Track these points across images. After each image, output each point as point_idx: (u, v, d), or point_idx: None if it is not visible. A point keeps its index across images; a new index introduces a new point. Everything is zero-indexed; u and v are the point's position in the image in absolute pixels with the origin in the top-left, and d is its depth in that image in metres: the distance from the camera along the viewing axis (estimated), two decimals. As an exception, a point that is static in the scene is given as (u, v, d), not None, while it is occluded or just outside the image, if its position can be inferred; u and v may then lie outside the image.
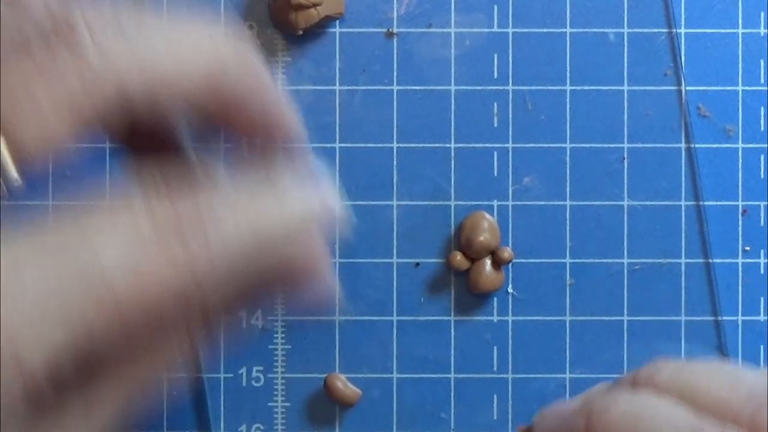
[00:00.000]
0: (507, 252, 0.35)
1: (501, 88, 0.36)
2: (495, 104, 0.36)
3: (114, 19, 0.23)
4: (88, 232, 0.21)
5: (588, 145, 0.36)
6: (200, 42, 0.25)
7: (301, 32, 0.35)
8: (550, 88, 0.36)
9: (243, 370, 0.36)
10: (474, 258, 0.36)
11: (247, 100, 0.25)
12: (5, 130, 0.21)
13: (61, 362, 0.20)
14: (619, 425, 0.25)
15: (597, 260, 0.36)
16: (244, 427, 0.36)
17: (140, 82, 0.23)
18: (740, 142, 0.36)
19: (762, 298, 0.36)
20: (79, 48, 0.22)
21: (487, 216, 0.36)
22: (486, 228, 0.36)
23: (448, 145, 0.36)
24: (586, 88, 0.36)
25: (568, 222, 0.36)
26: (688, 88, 0.36)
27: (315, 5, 0.35)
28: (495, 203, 0.36)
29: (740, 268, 0.36)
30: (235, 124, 0.26)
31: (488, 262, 0.36)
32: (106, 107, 0.22)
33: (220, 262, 0.22)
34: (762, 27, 0.36)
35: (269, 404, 0.36)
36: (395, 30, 0.36)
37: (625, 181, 0.36)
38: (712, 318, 0.36)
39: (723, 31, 0.36)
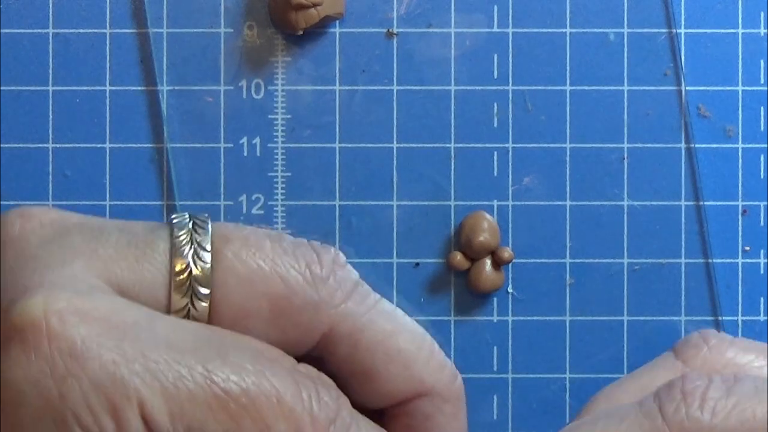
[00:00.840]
0: (507, 252, 0.35)
1: (501, 88, 0.36)
2: (495, 104, 0.36)
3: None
4: None
5: (588, 145, 0.36)
6: (420, 356, 0.28)
7: (301, 32, 0.35)
8: (550, 88, 0.36)
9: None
10: (474, 258, 0.36)
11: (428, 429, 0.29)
12: None
13: None
14: None
15: (597, 260, 0.36)
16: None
17: (343, 346, 0.27)
18: (740, 142, 0.36)
19: (762, 298, 0.36)
20: None
21: (487, 216, 0.36)
22: (486, 228, 0.36)
23: (448, 145, 0.36)
24: (586, 88, 0.36)
25: (568, 222, 0.36)
26: (688, 88, 0.36)
27: (315, 5, 0.35)
28: (495, 203, 0.36)
29: (740, 268, 0.36)
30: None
31: (488, 262, 0.36)
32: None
33: None
34: (762, 27, 0.36)
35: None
36: (395, 30, 0.36)
37: (625, 181, 0.36)
38: (712, 318, 0.36)
39: (723, 31, 0.36)
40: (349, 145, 0.36)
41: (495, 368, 0.36)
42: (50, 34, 0.36)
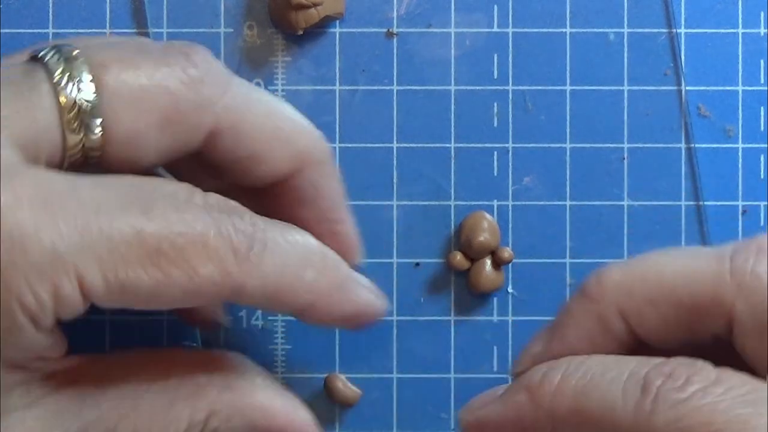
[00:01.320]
0: (507, 252, 0.35)
1: (501, 88, 0.36)
2: (495, 104, 0.36)
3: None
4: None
5: (588, 145, 0.36)
6: (296, 128, 0.30)
7: (301, 32, 0.35)
8: (550, 88, 0.36)
9: (243, 370, 0.36)
10: (474, 258, 0.36)
11: (317, 195, 0.31)
12: None
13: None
14: (566, 385, 0.25)
15: (597, 260, 0.36)
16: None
17: (230, 143, 0.28)
18: (740, 142, 0.36)
19: (762, 298, 0.36)
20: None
21: (487, 216, 0.36)
22: (486, 228, 0.36)
23: (448, 145, 0.36)
24: (586, 88, 0.36)
25: (568, 222, 0.36)
26: (688, 88, 0.36)
27: (315, 5, 0.35)
28: (495, 203, 0.36)
29: (740, 268, 0.36)
30: (301, 211, 0.31)
31: (488, 262, 0.36)
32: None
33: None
34: (762, 27, 0.36)
35: (269, 404, 0.36)
36: (395, 30, 0.36)
37: (625, 181, 0.36)
38: (712, 318, 0.36)
39: (723, 31, 0.36)
40: (349, 145, 0.36)
41: (495, 368, 0.36)
42: (50, 34, 0.36)
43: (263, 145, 0.29)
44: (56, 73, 0.26)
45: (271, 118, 0.29)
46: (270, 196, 0.30)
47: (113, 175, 0.26)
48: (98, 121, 0.26)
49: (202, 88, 0.27)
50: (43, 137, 0.25)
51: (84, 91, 0.26)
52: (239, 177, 0.30)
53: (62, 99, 0.26)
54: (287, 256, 0.27)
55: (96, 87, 0.26)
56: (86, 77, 0.26)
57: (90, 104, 0.26)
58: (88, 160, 0.27)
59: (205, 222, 0.26)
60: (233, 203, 0.27)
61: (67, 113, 0.26)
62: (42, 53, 0.27)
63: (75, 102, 0.26)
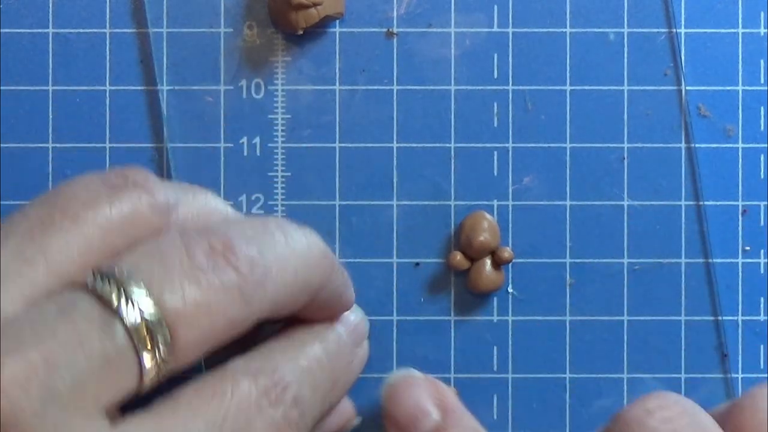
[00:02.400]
0: (507, 252, 0.35)
1: (501, 88, 0.36)
2: (495, 104, 0.36)
3: (258, 250, 0.28)
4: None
5: (588, 145, 0.36)
6: (312, 269, 0.30)
7: (301, 32, 0.35)
8: (550, 88, 0.36)
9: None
10: (474, 258, 0.36)
11: (326, 304, 0.32)
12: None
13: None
14: None
15: (597, 260, 0.36)
16: (244, 427, 0.36)
17: (268, 311, 0.28)
18: (740, 142, 0.36)
19: (762, 298, 0.36)
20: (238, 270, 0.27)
21: (487, 216, 0.36)
22: (486, 228, 0.36)
23: (448, 145, 0.36)
24: (586, 88, 0.36)
25: (568, 222, 0.36)
26: (688, 88, 0.36)
27: (315, 5, 0.35)
28: (495, 203, 0.36)
29: (740, 268, 0.36)
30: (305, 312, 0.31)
31: (488, 262, 0.36)
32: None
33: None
34: (762, 27, 0.36)
35: (269, 404, 0.36)
36: (395, 30, 0.36)
37: (625, 181, 0.36)
38: (712, 318, 0.36)
39: (723, 31, 0.36)
40: (349, 145, 0.36)
41: (495, 368, 0.36)
42: (50, 34, 0.36)
43: (291, 303, 0.29)
44: (113, 299, 0.25)
45: (296, 277, 0.29)
46: None
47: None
48: (166, 332, 0.26)
49: (252, 294, 0.27)
50: (125, 384, 0.25)
51: (145, 307, 0.25)
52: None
53: (129, 323, 0.25)
54: None
55: (160, 310, 0.26)
56: (142, 295, 0.26)
57: (155, 318, 0.25)
58: (161, 375, 0.26)
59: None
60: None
61: (136, 336, 0.25)
62: (92, 283, 0.26)
63: (140, 321, 0.25)
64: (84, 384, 0.24)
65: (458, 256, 0.36)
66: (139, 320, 0.25)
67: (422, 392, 0.32)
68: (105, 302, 0.25)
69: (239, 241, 0.27)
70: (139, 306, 0.25)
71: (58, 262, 0.26)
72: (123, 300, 0.25)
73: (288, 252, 0.29)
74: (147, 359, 0.25)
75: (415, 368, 0.36)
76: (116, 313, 0.25)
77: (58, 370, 0.23)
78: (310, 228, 0.30)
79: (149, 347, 0.25)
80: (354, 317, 0.33)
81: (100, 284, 0.26)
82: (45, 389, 0.23)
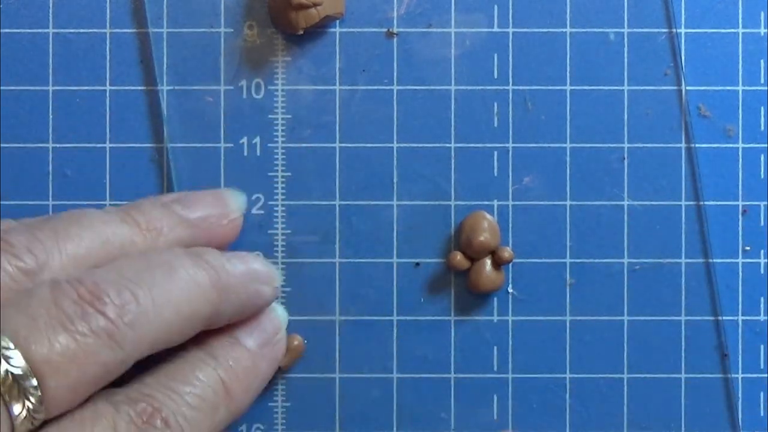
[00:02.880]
0: (507, 252, 0.35)
1: (501, 88, 0.36)
2: (495, 104, 0.36)
3: (131, 293, 0.28)
4: None
5: (588, 145, 0.36)
6: (199, 302, 0.30)
7: (301, 32, 0.35)
8: (550, 88, 0.36)
9: (243, 370, 0.36)
10: (474, 258, 0.36)
11: (230, 320, 0.32)
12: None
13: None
14: None
15: (597, 260, 0.36)
16: (244, 427, 0.36)
17: (145, 351, 0.29)
18: (740, 142, 0.36)
19: (762, 298, 0.36)
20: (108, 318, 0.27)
21: (487, 216, 0.36)
22: (486, 228, 0.36)
23: (448, 145, 0.36)
24: (586, 88, 0.36)
25: (568, 222, 0.36)
26: (688, 88, 0.36)
27: (315, 5, 0.35)
28: (495, 203, 0.36)
29: (740, 268, 0.36)
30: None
31: (488, 262, 0.36)
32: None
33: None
34: (762, 27, 0.36)
35: (269, 404, 0.36)
36: (395, 30, 0.36)
37: (625, 181, 0.36)
38: (712, 318, 0.36)
39: (723, 31, 0.36)
40: (349, 145, 0.36)
41: (495, 368, 0.36)
42: (50, 34, 0.36)
43: (176, 337, 0.30)
44: None
45: (178, 313, 0.29)
46: None
47: None
48: (34, 382, 0.26)
49: (124, 337, 0.28)
50: None
51: (12, 359, 0.26)
52: None
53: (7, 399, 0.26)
54: None
55: (29, 363, 0.26)
56: (9, 348, 0.26)
57: (22, 370, 0.26)
58: (35, 423, 0.27)
59: None
60: None
61: (3, 387, 0.26)
62: None
63: (7, 373, 0.26)
64: None
65: (458, 256, 0.36)
66: (6, 372, 0.25)
67: None
68: None
69: (108, 286, 0.28)
70: (6, 359, 0.26)
71: None
72: None
73: (168, 289, 0.29)
74: (16, 410, 0.26)
75: (415, 368, 0.36)
76: None
77: None
78: (211, 255, 0.31)
79: (18, 398, 0.26)
80: (265, 317, 0.33)
81: None
82: None
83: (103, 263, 0.30)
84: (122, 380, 0.29)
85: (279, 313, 0.34)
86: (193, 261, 0.30)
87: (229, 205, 0.34)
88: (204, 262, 0.30)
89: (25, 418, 0.26)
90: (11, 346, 0.26)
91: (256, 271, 0.32)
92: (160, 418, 0.28)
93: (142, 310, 0.28)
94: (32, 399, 0.26)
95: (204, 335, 0.32)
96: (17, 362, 0.26)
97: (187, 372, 0.30)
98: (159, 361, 0.31)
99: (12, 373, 0.26)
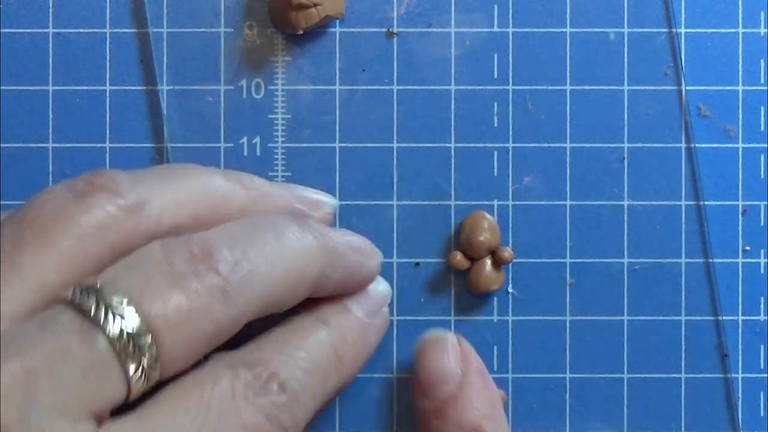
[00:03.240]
0: (507, 252, 0.35)
1: (501, 88, 0.36)
2: (495, 104, 0.36)
3: (241, 251, 0.28)
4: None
5: (588, 145, 0.36)
6: (307, 264, 0.30)
7: (301, 32, 0.35)
8: (550, 88, 0.36)
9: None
10: (474, 258, 0.36)
11: (335, 290, 0.32)
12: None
13: None
14: None
15: (597, 260, 0.36)
16: (244, 427, 0.36)
17: (260, 312, 0.29)
18: (740, 142, 0.36)
19: (762, 298, 0.36)
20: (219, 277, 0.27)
21: (487, 216, 0.36)
22: (486, 228, 0.35)
23: (448, 145, 0.36)
24: (586, 88, 0.36)
25: (568, 222, 0.36)
26: (688, 88, 0.36)
27: (315, 5, 0.35)
28: (495, 203, 0.36)
29: (740, 268, 0.36)
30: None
31: (488, 261, 0.36)
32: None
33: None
34: (762, 27, 0.36)
35: (269, 404, 0.36)
36: (395, 30, 0.36)
37: (625, 181, 0.36)
38: (712, 318, 0.36)
39: (723, 31, 0.36)
40: (349, 145, 0.36)
41: (495, 368, 0.36)
42: (50, 34, 0.36)
43: (285, 299, 0.30)
44: (94, 310, 0.26)
45: (287, 273, 0.29)
46: None
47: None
48: (149, 340, 0.26)
49: (237, 295, 0.28)
50: (111, 392, 0.26)
51: (127, 317, 0.26)
52: None
53: (111, 334, 0.26)
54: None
55: (143, 320, 0.26)
56: (123, 306, 0.26)
57: (137, 328, 0.26)
58: (150, 383, 0.27)
59: None
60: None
61: (119, 345, 0.26)
62: (72, 297, 0.26)
63: (122, 332, 0.26)
64: (67, 393, 0.24)
65: (458, 256, 0.36)
66: (121, 331, 0.25)
67: (449, 356, 0.33)
68: (86, 314, 0.26)
69: (220, 245, 0.28)
70: (120, 317, 0.26)
71: (34, 279, 0.26)
72: (103, 311, 0.26)
73: (277, 249, 0.29)
74: (132, 368, 0.26)
75: (414, 367, 0.36)
76: (97, 324, 0.25)
77: (39, 381, 0.24)
78: (314, 222, 0.31)
79: (133, 357, 0.26)
80: (372, 288, 0.34)
81: (81, 297, 0.26)
82: (28, 398, 0.24)
83: (204, 212, 0.30)
84: (236, 344, 0.29)
85: (384, 287, 0.35)
86: (300, 225, 0.30)
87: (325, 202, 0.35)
88: (311, 227, 0.31)
89: (140, 376, 0.26)
90: (125, 303, 0.26)
91: (359, 244, 0.33)
92: (277, 383, 0.28)
93: (253, 268, 0.28)
94: (147, 357, 0.26)
95: (315, 302, 0.32)
96: (132, 320, 0.26)
97: (300, 337, 0.30)
98: (272, 327, 0.31)
99: (127, 331, 0.25)
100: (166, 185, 0.30)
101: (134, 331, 0.26)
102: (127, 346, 0.25)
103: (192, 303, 0.27)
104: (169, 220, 0.29)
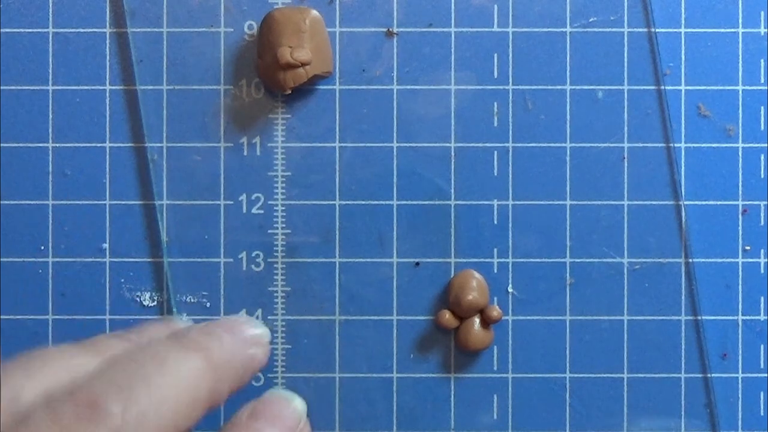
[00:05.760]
0: (496, 311, 0.35)
1: (501, 88, 0.36)
2: (495, 104, 0.36)
3: (127, 396, 0.27)
4: None
5: (588, 145, 0.36)
6: (193, 393, 0.29)
7: (289, 91, 0.35)
8: (550, 88, 0.36)
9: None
10: (463, 317, 0.36)
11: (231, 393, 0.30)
12: None
13: None
14: None
15: (597, 260, 0.36)
16: (244, 427, 0.36)
17: None
18: (740, 141, 0.36)
19: (762, 298, 0.36)
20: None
21: (476, 275, 0.36)
22: (474, 287, 0.35)
23: (448, 145, 0.36)
24: (586, 88, 0.36)
25: (568, 222, 0.36)
26: (688, 88, 0.36)
27: (303, 65, 0.35)
28: (495, 203, 0.36)
29: (740, 268, 0.36)
30: None
31: (477, 320, 0.36)
32: None
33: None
34: (762, 27, 0.36)
35: (269, 404, 0.36)
36: (395, 30, 0.36)
37: (625, 181, 0.36)
38: (712, 318, 0.36)
39: (723, 30, 0.36)
40: (349, 145, 0.36)
41: (495, 368, 0.36)
42: (50, 34, 0.36)
43: (181, 429, 0.29)
44: None
45: (178, 408, 0.29)
46: None
47: None
48: None
49: None
50: None
51: None
52: None
53: None
54: None
55: None
56: None
57: None
58: None
59: None
60: None
61: None
62: None
63: None
64: None
65: (447, 315, 0.36)
66: None
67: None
68: None
69: (106, 394, 0.27)
70: None
71: None
72: None
73: (162, 385, 0.28)
74: None
75: (415, 368, 0.36)
76: None
77: None
78: (196, 334, 0.30)
79: None
80: (285, 410, 0.33)
81: None
82: None
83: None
84: None
85: (297, 403, 0.34)
86: (180, 346, 0.29)
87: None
88: (192, 343, 0.30)
89: None
90: None
91: (244, 338, 0.31)
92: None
93: (143, 410, 0.27)
94: None
95: None
96: None
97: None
98: None
99: None
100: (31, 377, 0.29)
101: None
102: None
103: None
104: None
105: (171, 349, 0.29)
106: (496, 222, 0.36)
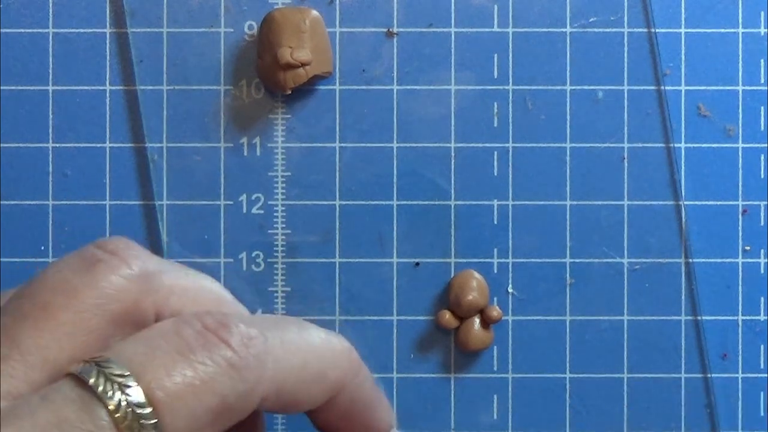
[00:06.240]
0: (496, 311, 0.35)
1: (501, 88, 0.36)
2: (495, 104, 0.36)
3: (259, 330, 0.27)
4: None
5: (588, 145, 0.36)
6: (328, 363, 0.28)
7: (289, 92, 0.35)
8: (550, 88, 0.36)
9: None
10: (462, 317, 0.36)
11: (356, 414, 0.30)
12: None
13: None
14: None
15: (597, 260, 0.36)
16: (244, 427, 0.36)
17: (273, 398, 0.27)
18: (740, 142, 0.36)
19: (762, 298, 0.36)
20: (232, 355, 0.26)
21: (476, 275, 0.36)
22: (474, 287, 0.35)
23: (448, 145, 0.36)
24: (586, 88, 0.36)
25: (568, 222, 0.36)
26: (688, 88, 0.36)
27: (303, 65, 0.35)
28: (495, 203, 0.36)
29: (740, 268, 0.36)
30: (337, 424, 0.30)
31: (477, 321, 0.36)
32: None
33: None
34: (762, 27, 0.36)
35: (269, 404, 0.36)
36: (395, 30, 0.36)
37: (625, 181, 0.36)
38: (712, 318, 0.36)
39: (723, 31, 0.36)
40: (349, 145, 0.36)
41: (495, 368, 0.36)
42: (50, 34, 0.36)
43: (302, 394, 0.28)
44: (94, 382, 0.25)
45: (305, 367, 0.28)
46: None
47: None
48: (150, 411, 0.25)
49: (246, 374, 0.26)
50: None
51: (129, 389, 0.25)
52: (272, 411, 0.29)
53: (111, 405, 0.25)
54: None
55: (144, 391, 0.25)
56: (125, 378, 0.25)
57: (138, 399, 0.25)
58: None
59: None
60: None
61: (119, 417, 0.25)
62: (81, 373, 0.26)
63: (121, 403, 0.25)
64: None
65: (447, 315, 0.36)
66: (119, 402, 0.25)
67: None
68: (87, 386, 0.25)
69: (236, 320, 0.27)
70: (121, 388, 0.25)
71: (36, 355, 0.26)
72: (104, 382, 0.25)
73: (298, 340, 0.28)
74: None
75: (415, 368, 0.36)
76: (98, 395, 0.25)
77: None
78: (341, 335, 0.29)
79: (132, 429, 0.25)
80: None
81: (84, 370, 0.25)
82: None
83: (210, 306, 0.29)
84: None
85: None
86: (326, 330, 0.29)
87: None
88: (340, 336, 0.29)
89: None
90: (126, 374, 0.25)
91: (383, 397, 0.31)
92: None
93: (270, 348, 0.27)
94: (149, 429, 0.25)
95: None
96: (132, 391, 0.25)
97: None
98: None
99: (127, 403, 0.25)
100: (176, 267, 0.29)
101: (135, 403, 0.25)
102: (126, 418, 0.25)
103: (196, 374, 0.25)
104: (175, 301, 0.28)
105: (318, 328, 0.29)
106: (496, 222, 0.36)
